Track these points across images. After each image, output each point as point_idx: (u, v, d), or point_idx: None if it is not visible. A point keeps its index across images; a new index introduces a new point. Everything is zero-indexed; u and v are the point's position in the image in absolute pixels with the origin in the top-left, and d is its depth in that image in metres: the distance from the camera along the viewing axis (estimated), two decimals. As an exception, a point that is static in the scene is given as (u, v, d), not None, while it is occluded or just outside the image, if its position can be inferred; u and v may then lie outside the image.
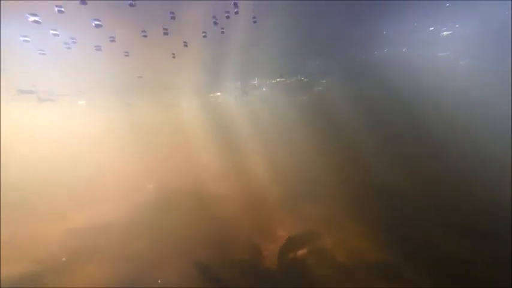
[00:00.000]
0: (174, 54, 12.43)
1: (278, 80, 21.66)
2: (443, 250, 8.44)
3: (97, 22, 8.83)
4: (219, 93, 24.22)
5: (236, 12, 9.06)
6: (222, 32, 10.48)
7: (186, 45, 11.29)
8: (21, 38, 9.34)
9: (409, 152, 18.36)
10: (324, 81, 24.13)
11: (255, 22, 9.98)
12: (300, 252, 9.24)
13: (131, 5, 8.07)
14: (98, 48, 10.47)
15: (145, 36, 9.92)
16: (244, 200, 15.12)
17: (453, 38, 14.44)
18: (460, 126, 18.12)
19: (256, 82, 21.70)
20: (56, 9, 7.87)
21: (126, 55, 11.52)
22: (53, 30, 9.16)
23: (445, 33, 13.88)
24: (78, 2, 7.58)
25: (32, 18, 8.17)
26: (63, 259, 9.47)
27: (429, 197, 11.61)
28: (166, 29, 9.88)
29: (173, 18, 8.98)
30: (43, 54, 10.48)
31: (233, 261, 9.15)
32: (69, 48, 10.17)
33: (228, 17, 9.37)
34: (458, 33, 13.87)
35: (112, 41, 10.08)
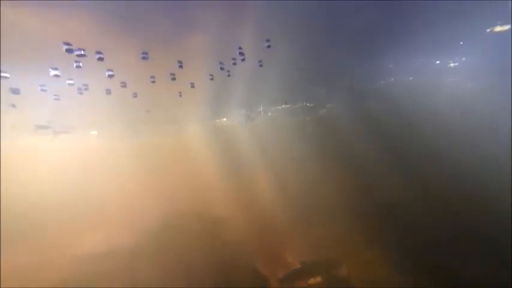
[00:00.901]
0: (180, 93, 12.83)
1: (283, 106, 21.97)
2: (457, 268, 8.35)
3: (110, 73, 9.29)
4: (224, 119, 24.75)
5: (243, 60, 9.35)
6: (228, 75, 10.79)
7: (193, 87, 11.65)
8: (40, 88, 9.89)
9: (419, 171, 17.82)
10: (329, 105, 24.30)
11: (261, 66, 10.25)
12: (309, 279, 8.91)
13: (144, 58, 8.50)
14: (108, 92, 10.93)
15: (153, 82, 10.32)
16: (252, 223, 14.74)
17: (460, 69, 14.39)
18: (468, 143, 17.61)
19: (261, 109, 22.06)
20: (75, 64, 8.39)
21: (134, 96, 11.95)
22: (69, 80, 9.69)
23: (452, 65, 13.88)
24: (96, 58, 8.07)
25: (53, 73, 8.74)
26: None
27: (444, 217, 11.29)
28: (173, 75, 10.28)
29: (181, 67, 9.34)
30: (58, 99, 11.02)
31: (241, 286, 8.92)
32: (81, 94, 10.67)
33: (234, 64, 9.68)
34: (466, 64, 13.84)
35: (123, 86, 10.52)
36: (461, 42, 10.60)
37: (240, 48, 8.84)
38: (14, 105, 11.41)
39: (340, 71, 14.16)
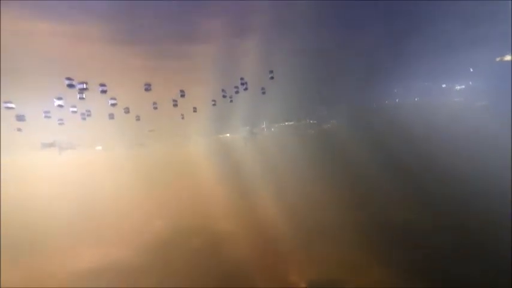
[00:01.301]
0: (183, 115, 12.83)
1: (286, 123, 21.94)
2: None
3: (113, 101, 9.36)
4: (228, 135, 24.79)
5: (245, 89, 9.31)
6: (231, 101, 10.75)
7: (195, 111, 11.65)
8: (44, 115, 10.02)
9: (423, 189, 17.40)
10: (333, 121, 24.15)
11: (263, 93, 10.18)
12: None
13: (146, 90, 8.54)
14: (111, 116, 10.99)
15: (155, 108, 10.36)
16: (253, 238, 14.37)
17: (466, 91, 14.16)
18: (470, 158, 17.23)
19: (264, 126, 22.07)
20: (78, 96, 8.48)
21: (137, 119, 11.99)
22: (72, 107, 9.80)
23: (458, 87, 13.68)
24: (99, 90, 8.14)
25: (57, 103, 8.85)
26: None
27: (449, 233, 11.00)
28: (175, 101, 10.30)
29: (183, 96, 9.36)
30: (62, 124, 11.14)
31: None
32: (84, 119, 10.77)
33: (237, 92, 9.65)
34: (472, 87, 13.63)
35: (126, 112, 10.58)
36: (471, 69, 10.51)
37: (241, 79, 8.81)
38: (20, 129, 11.58)
39: (344, 95, 14.10)
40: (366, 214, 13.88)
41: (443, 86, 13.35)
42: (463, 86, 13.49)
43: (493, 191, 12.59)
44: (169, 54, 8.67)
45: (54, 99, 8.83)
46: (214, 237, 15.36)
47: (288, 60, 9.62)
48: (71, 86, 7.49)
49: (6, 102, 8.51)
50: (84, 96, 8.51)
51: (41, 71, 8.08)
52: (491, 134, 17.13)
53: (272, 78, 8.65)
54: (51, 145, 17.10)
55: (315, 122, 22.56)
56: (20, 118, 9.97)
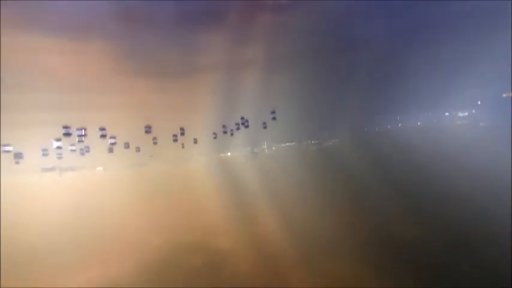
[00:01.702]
0: (183, 145, 12.70)
1: (287, 144, 21.77)
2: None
3: (112, 140, 9.23)
4: (229, 153, 24.51)
5: (246, 126, 9.18)
6: (232, 135, 10.63)
7: (196, 142, 11.53)
8: (41, 153, 9.89)
9: (426, 206, 17.08)
10: (335, 140, 24.01)
11: (265, 128, 10.06)
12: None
13: (147, 132, 8.43)
14: (111, 150, 10.86)
15: (155, 143, 10.24)
16: (256, 257, 13.91)
17: (468, 117, 14.04)
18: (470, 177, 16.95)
19: (265, 146, 21.89)
20: (77, 139, 8.36)
21: (137, 151, 11.85)
22: (71, 146, 9.66)
23: (460, 114, 13.59)
24: (98, 135, 8.02)
25: (56, 144, 8.73)
26: None
27: (452, 253, 10.59)
28: (175, 136, 10.19)
29: (183, 134, 9.23)
30: (60, 158, 10.99)
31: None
32: (83, 154, 10.64)
33: (238, 129, 9.52)
34: (476, 114, 13.51)
35: (126, 147, 10.46)
36: (479, 102, 10.49)
37: (242, 118, 8.71)
38: (17, 162, 11.44)
39: (347, 121, 14.01)
40: (365, 229, 13.59)
41: (447, 114, 13.31)
42: (466, 114, 13.46)
43: (494, 206, 12.23)
44: (170, 92, 8.60)
45: (53, 141, 8.73)
46: (220, 255, 15.00)
47: (291, 90, 9.54)
48: (67, 134, 7.37)
49: (4, 146, 8.40)
50: (83, 140, 8.40)
51: (40, 113, 8.00)
52: (492, 153, 16.89)
53: (274, 119, 8.53)
54: (51, 169, 16.91)
55: (317, 141, 22.49)
56: (18, 156, 9.85)
